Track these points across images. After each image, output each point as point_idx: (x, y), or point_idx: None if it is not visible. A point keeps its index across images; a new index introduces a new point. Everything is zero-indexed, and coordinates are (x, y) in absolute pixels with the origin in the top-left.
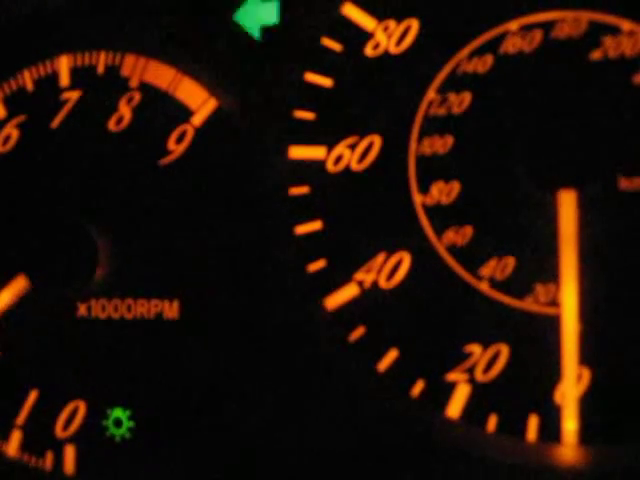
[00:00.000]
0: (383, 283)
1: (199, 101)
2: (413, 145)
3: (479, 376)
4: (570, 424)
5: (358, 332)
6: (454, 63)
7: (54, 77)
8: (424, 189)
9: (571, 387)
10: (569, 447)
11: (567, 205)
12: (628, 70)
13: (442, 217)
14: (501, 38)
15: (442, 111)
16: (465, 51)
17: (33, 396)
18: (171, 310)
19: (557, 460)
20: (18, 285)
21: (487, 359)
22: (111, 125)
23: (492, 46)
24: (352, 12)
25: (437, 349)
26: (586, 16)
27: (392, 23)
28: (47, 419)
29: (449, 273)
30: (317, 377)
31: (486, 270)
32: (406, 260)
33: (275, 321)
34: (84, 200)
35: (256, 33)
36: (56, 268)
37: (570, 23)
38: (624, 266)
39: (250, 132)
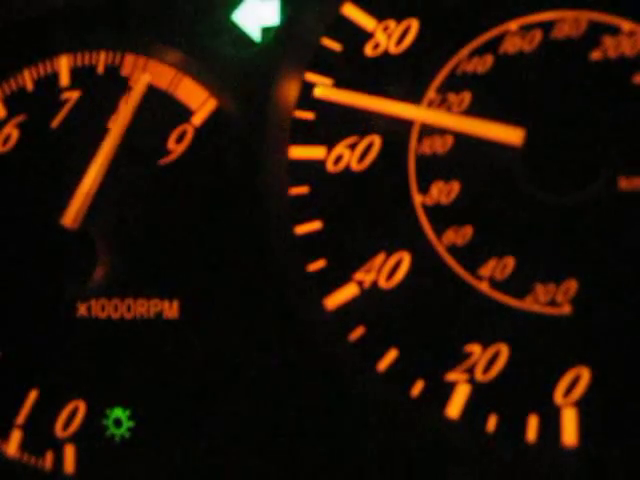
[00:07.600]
0: (383, 283)
1: (199, 101)
2: (413, 145)
3: (479, 376)
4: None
5: (358, 332)
6: (454, 63)
7: (54, 77)
8: (424, 189)
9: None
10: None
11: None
12: (628, 70)
13: (442, 217)
14: (501, 38)
15: (442, 111)
16: (465, 51)
17: (33, 396)
18: (171, 310)
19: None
20: None
21: (487, 359)
22: (111, 125)
23: (492, 46)
24: (352, 12)
25: (437, 349)
26: (586, 16)
27: (392, 23)
28: (47, 419)
29: (449, 273)
30: (317, 377)
31: (486, 270)
32: (406, 260)
33: (275, 321)
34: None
35: (256, 33)
36: (56, 268)
37: (570, 23)
38: (623, 266)
39: (250, 132)
